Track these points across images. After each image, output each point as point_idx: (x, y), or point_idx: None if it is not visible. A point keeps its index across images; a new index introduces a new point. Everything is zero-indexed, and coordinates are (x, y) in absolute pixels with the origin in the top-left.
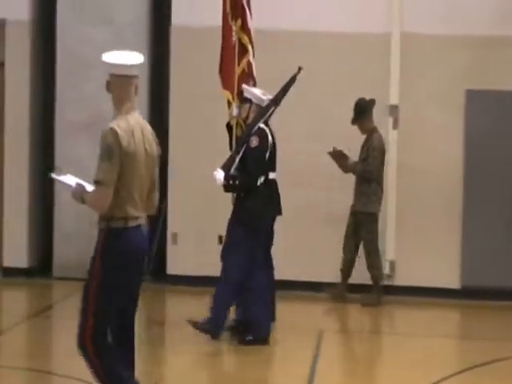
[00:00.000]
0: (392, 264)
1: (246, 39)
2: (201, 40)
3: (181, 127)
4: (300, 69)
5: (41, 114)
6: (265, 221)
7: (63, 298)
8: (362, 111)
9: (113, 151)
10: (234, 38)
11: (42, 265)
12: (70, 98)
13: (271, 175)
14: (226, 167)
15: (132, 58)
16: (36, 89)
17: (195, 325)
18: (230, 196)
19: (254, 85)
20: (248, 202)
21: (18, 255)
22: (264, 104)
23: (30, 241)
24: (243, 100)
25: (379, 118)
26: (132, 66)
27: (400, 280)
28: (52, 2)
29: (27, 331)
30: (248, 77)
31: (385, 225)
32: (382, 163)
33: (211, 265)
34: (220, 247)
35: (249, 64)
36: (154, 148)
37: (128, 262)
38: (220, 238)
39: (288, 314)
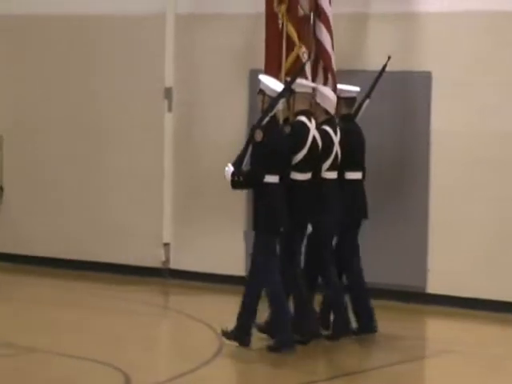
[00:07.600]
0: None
1: (291, 30)
2: None
3: None
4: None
5: None
6: (277, 224)
7: None
8: None
9: None
10: (280, 26)
11: None
12: None
13: (329, 175)
14: (236, 163)
15: None
16: None
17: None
18: None
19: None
20: (258, 203)
21: None
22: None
23: None
24: (258, 91)
25: None
26: None
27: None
28: None
29: None
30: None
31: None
32: None
33: None
34: None
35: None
36: None
37: None
38: None
39: None
